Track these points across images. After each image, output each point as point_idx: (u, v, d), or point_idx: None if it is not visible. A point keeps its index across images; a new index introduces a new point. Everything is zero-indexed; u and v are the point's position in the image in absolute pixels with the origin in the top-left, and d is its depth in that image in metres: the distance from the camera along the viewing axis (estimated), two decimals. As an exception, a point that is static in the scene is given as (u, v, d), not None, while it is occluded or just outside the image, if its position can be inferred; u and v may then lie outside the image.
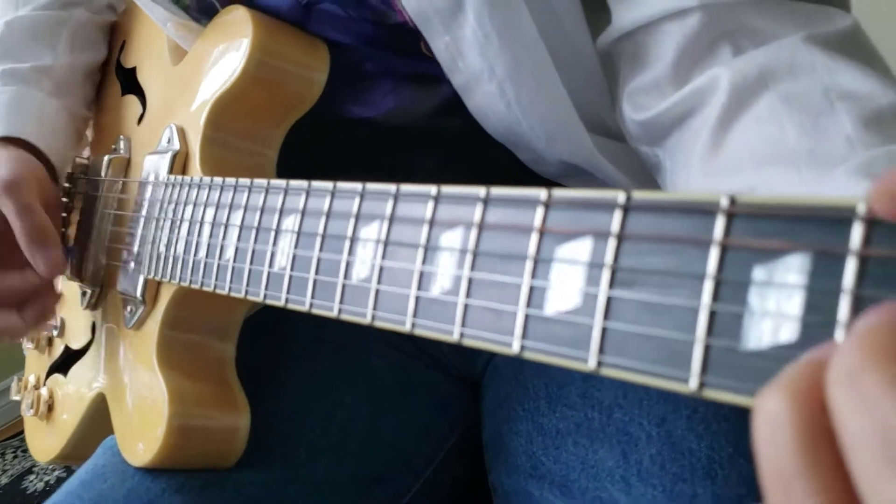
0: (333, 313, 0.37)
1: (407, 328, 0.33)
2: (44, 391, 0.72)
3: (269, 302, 0.42)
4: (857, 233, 0.20)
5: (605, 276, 0.26)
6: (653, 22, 0.44)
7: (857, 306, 0.20)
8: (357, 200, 0.37)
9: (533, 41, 0.48)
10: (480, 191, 0.31)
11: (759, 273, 0.22)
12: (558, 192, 0.28)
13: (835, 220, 0.21)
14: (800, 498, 0.17)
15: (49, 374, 0.73)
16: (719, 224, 0.23)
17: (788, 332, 0.21)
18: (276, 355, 0.63)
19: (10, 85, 0.67)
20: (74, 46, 0.73)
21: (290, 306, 0.41)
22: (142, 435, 0.54)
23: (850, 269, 0.20)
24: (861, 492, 0.16)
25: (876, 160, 0.33)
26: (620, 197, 0.26)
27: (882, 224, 0.20)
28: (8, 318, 0.59)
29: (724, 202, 0.23)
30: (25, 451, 1.86)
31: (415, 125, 0.59)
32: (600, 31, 0.49)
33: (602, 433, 0.51)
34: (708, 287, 0.23)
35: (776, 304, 0.21)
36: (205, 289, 0.48)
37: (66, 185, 0.71)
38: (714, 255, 0.23)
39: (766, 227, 0.22)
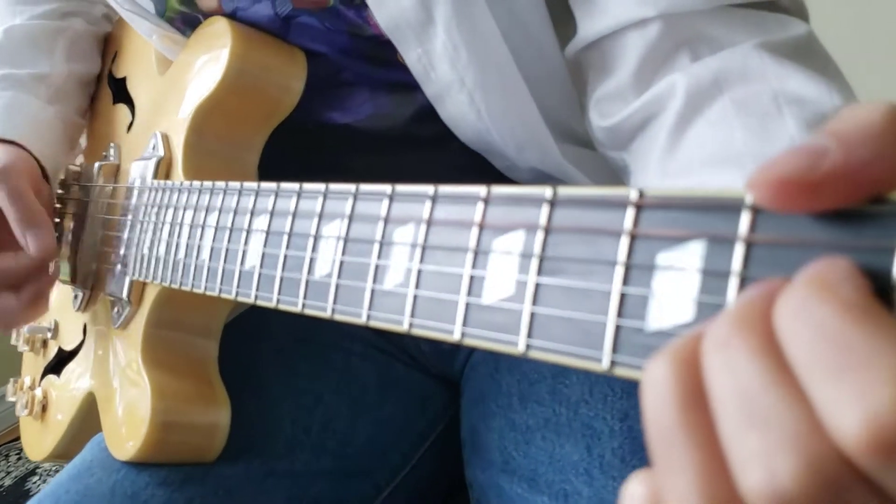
0: (297, 308, 0.39)
1: (363, 320, 0.35)
2: (38, 392, 0.74)
3: (241, 299, 0.44)
4: (744, 220, 0.22)
5: (534, 265, 0.28)
6: (615, 31, 0.45)
7: (744, 287, 0.22)
8: (321, 200, 0.39)
9: (501, 53, 0.50)
10: (429, 189, 0.33)
11: (662, 259, 0.24)
12: (497, 189, 0.30)
13: (727, 208, 0.23)
14: (678, 455, 0.19)
15: (44, 375, 0.75)
16: (629, 215, 0.25)
17: (686, 313, 0.23)
18: (259, 354, 0.64)
19: (7, 90, 0.70)
20: (71, 56, 0.76)
21: (259, 303, 0.42)
22: (127, 430, 0.55)
23: (738, 253, 0.22)
24: (725, 447, 0.18)
25: None
26: (548, 192, 0.28)
27: (767, 212, 0.22)
28: (4, 299, 0.60)
29: (634, 195, 0.25)
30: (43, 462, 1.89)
31: (392, 131, 0.61)
32: (568, 41, 0.51)
33: (568, 428, 0.52)
34: (619, 272, 0.25)
35: (676, 287, 0.23)
36: (184, 288, 0.50)
37: (60, 191, 0.73)
38: (624, 243, 0.25)
39: (670, 217, 0.24)
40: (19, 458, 1.90)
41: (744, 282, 0.22)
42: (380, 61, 0.56)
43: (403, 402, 0.65)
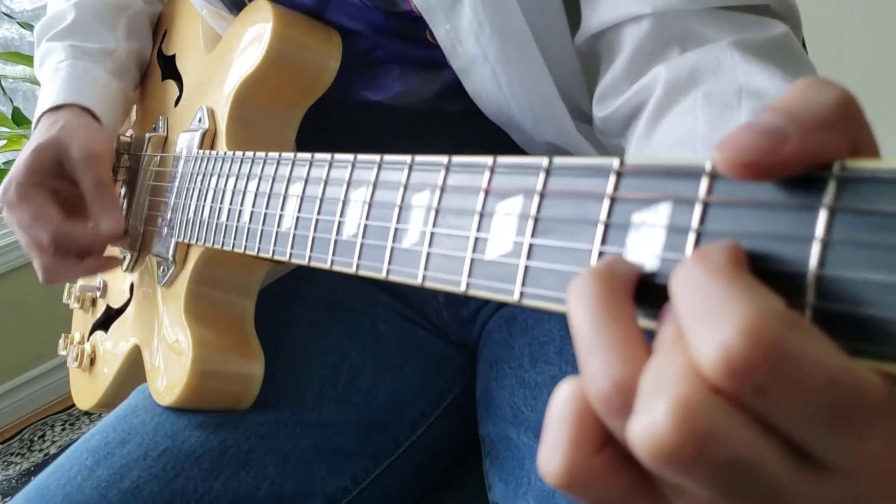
0: (327, 265, 0.44)
1: (383, 275, 0.40)
2: (87, 346, 0.80)
3: (277, 258, 0.49)
4: (703, 184, 0.26)
5: (530, 225, 0.32)
6: (615, 25, 0.50)
7: (700, 242, 0.25)
8: (349, 169, 0.44)
9: (522, 31, 0.54)
10: (444, 159, 0.37)
11: (636, 217, 0.28)
12: (502, 159, 0.34)
13: (690, 174, 0.26)
14: (602, 349, 0.23)
15: (92, 330, 0.81)
16: (611, 181, 0.29)
17: (652, 265, 0.27)
18: (292, 315, 0.69)
19: (80, 60, 0.75)
20: (130, 34, 0.81)
21: (294, 261, 0.47)
22: (169, 377, 0.61)
23: (697, 212, 0.26)
24: (691, 342, 0.21)
25: None
26: (545, 161, 0.32)
27: (723, 178, 0.25)
28: (69, 262, 0.66)
29: (616, 164, 0.29)
30: (73, 423, 1.98)
31: (420, 108, 0.65)
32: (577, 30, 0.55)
33: None
34: (599, 231, 0.29)
35: (646, 243, 0.27)
36: (226, 249, 0.55)
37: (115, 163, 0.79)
38: (606, 205, 0.29)
39: (645, 183, 0.28)
40: (63, 429, 1.99)
41: (699, 237, 0.25)
42: (410, 39, 0.60)
43: (423, 365, 0.69)
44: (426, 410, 0.68)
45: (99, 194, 0.66)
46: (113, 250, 0.76)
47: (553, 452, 0.23)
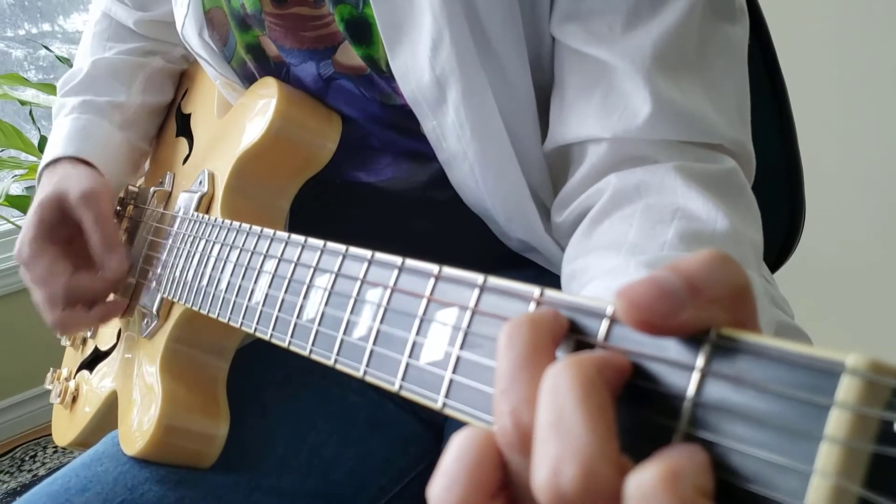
0: (285, 345, 0.46)
1: (331, 363, 0.41)
2: (72, 384, 0.82)
3: (245, 329, 0.51)
4: (604, 325, 0.27)
5: (460, 338, 0.33)
6: (578, 142, 0.53)
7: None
8: (318, 254, 0.46)
9: (500, 134, 0.56)
10: (398, 260, 0.39)
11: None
12: (446, 270, 0.36)
13: (595, 314, 0.28)
14: (514, 389, 0.25)
15: (79, 369, 0.83)
16: (531, 308, 0.31)
17: (554, 396, 0.28)
18: (265, 377, 0.71)
19: (85, 114, 0.79)
20: (147, 89, 0.85)
21: (258, 335, 0.49)
22: (136, 428, 0.62)
23: (602, 331, 0.27)
24: (535, 449, 0.23)
25: (660, 260, 0.42)
26: (480, 279, 0.34)
27: (620, 323, 0.27)
28: (77, 312, 0.69)
29: (536, 293, 0.31)
30: (65, 447, 2.00)
31: (409, 194, 0.67)
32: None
33: None
34: (513, 355, 0.30)
35: (551, 374, 0.29)
36: (202, 312, 0.57)
37: (118, 208, 0.82)
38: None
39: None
40: (55, 452, 2.00)
41: (595, 377, 0.27)
42: (404, 130, 0.63)
43: (388, 440, 0.70)
44: (386, 486, 0.69)
45: (100, 230, 0.68)
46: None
47: (448, 490, 0.25)
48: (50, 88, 1.92)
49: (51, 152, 0.75)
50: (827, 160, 1.28)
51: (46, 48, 2.23)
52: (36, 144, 1.91)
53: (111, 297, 0.72)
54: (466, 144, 0.56)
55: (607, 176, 0.51)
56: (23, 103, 1.94)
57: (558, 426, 0.23)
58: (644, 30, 0.51)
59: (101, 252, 0.68)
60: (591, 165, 0.52)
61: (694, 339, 0.25)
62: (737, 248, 0.46)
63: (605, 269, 0.45)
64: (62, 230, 0.71)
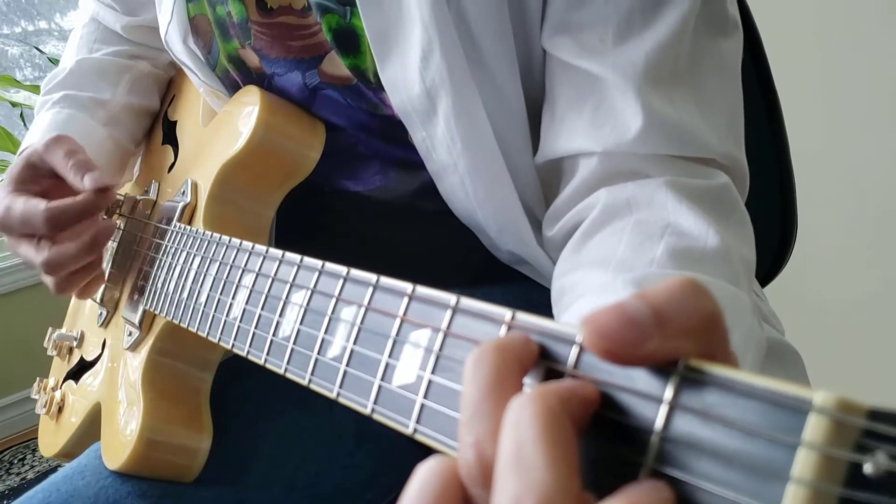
0: (261, 362, 0.45)
1: (305, 383, 0.41)
2: (57, 394, 0.81)
3: (222, 345, 0.50)
4: (574, 351, 0.27)
5: (432, 361, 0.33)
6: (569, 156, 0.52)
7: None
8: (295, 270, 0.45)
9: (490, 146, 0.56)
10: (372, 278, 0.38)
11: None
12: (420, 289, 0.35)
13: (564, 340, 0.27)
14: (478, 420, 0.25)
15: (65, 379, 0.82)
16: (502, 331, 0.30)
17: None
18: (249, 389, 0.70)
19: (66, 108, 0.78)
20: (132, 91, 0.84)
21: (235, 351, 0.48)
22: (119, 442, 0.62)
23: (572, 356, 0.27)
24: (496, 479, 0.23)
25: (648, 277, 0.41)
26: (452, 300, 0.33)
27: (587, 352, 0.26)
28: (63, 245, 0.64)
29: (507, 316, 0.30)
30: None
31: (397, 203, 0.67)
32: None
33: None
34: (483, 381, 0.29)
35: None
36: (181, 325, 0.56)
37: (103, 216, 0.81)
38: (492, 357, 0.30)
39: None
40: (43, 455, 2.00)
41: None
42: (392, 139, 0.62)
43: (375, 454, 0.69)
44: (372, 500, 0.68)
45: (71, 160, 0.65)
46: (94, 305, 0.78)
47: None
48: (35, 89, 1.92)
49: (27, 142, 0.73)
50: (819, 172, 1.27)
51: (38, 49, 2.22)
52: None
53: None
54: (457, 156, 0.55)
55: (598, 190, 0.50)
56: (14, 105, 1.94)
57: (518, 461, 0.22)
58: (636, 43, 0.50)
59: (77, 175, 0.64)
60: (581, 179, 0.51)
61: (662, 370, 0.24)
62: (727, 266, 0.45)
63: (593, 286, 0.44)
64: (34, 185, 0.68)
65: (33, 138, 0.74)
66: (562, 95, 0.54)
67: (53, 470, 1.93)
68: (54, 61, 2.08)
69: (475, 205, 0.58)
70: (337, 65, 0.60)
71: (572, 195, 0.52)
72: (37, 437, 1.94)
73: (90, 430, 0.74)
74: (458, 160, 0.56)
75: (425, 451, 0.73)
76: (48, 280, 0.67)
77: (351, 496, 0.67)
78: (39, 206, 0.63)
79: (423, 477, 0.25)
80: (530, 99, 0.57)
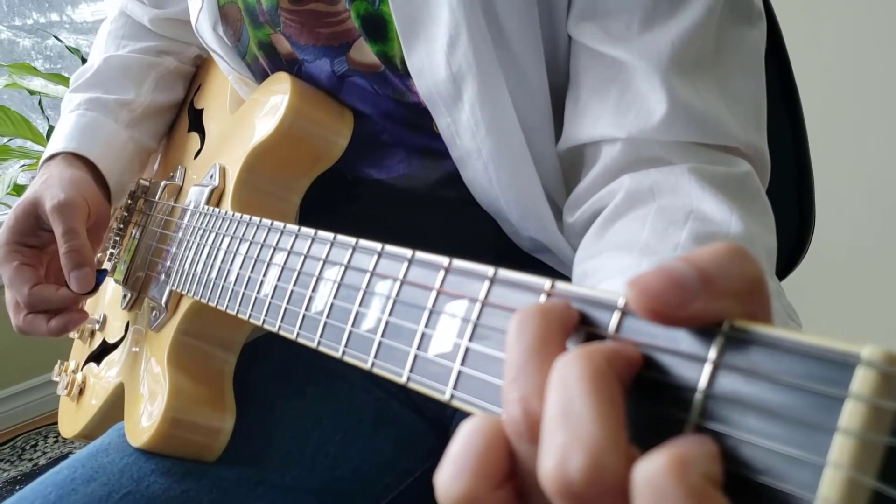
0: (293, 336, 0.46)
1: (339, 355, 0.41)
2: (79, 376, 0.82)
3: (252, 322, 0.51)
4: (615, 316, 0.27)
5: (469, 330, 0.33)
6: (592, 143, 0.52)
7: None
8: (328, 247, 0.46)
9: (515, 132, 0.56)
10: (408, 252, 0.39)
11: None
12: (456, 262, 0.36)
13: (606, 306, 0.28)
14: (524, 377, 0.25)
15: (86, 361, 0.83)
16: (542, 299, 0.30)
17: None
18: (272, 371, 0.71)
19: (91, 111, 0.80)
20: (157, 88, 0.86)
21: (266, 327, 0.49)
22: (142, 420, 0.62)
23: (614, 322, 0.27)
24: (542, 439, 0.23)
25: None
26: (490, 271, 0.34)
27: (632, 315, 0.27)
28: (37, 321, 0.69)
29: (547, 285, 0.30)
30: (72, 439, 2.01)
31: (421, 191, 0.67)
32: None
33: None
34: (523, 347, 0.30)
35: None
36: (210, 304, 0.57)
37: (129, 201, 0.82)
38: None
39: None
40: (56, 441, 2.01)
41: (606, 369, 0.27)
42: (416, 127, 0.63)
43: (394, 438, 0.70)
44: (391, 484, 0.68)
45: (67, 244, 0.67)
46: (118, 287, 0.78)
47: (456, 478, 0.24)
48: (58, 78, 1.93)
49: (51, 147, 0.76)
50: (838, 165, 1.27)
51: (57, 38, 2.24)
52: (44, 134, 1.92)
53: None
54: (481, 142, 0.56)
55: (621, 177, 0.51)
56: (32, 93, 1.96)
57: (567, 416, 0.23)
58: (662, 30, 0.50)
59: (66, 267, 0.68)
60: (604, 166, 0.52)
61: (706, 330, 0.24)
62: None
63: (616, 269, 0.45)
64: (33, 238, 0.71)
65: (56, 143, 0.76)
66: (586, 82, 0.54)
67: (65, 457, 1.94)
68: (72, 50, 2.10)
69: (498, 191, 0.59)
70: (365, 52, 0.61)
71: (594, 181, 0.53)
72: (49, 424, 1.94)
73: (111, 411, 0.75)
74: (482, 146, 0.57)
75: (442, 437, 0.73)
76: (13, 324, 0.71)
77: (369, 479, 0.68)
78: (24, 288, 0.68)
79: (466, 434, 0.26)
80: (554, 86, 0.57)
